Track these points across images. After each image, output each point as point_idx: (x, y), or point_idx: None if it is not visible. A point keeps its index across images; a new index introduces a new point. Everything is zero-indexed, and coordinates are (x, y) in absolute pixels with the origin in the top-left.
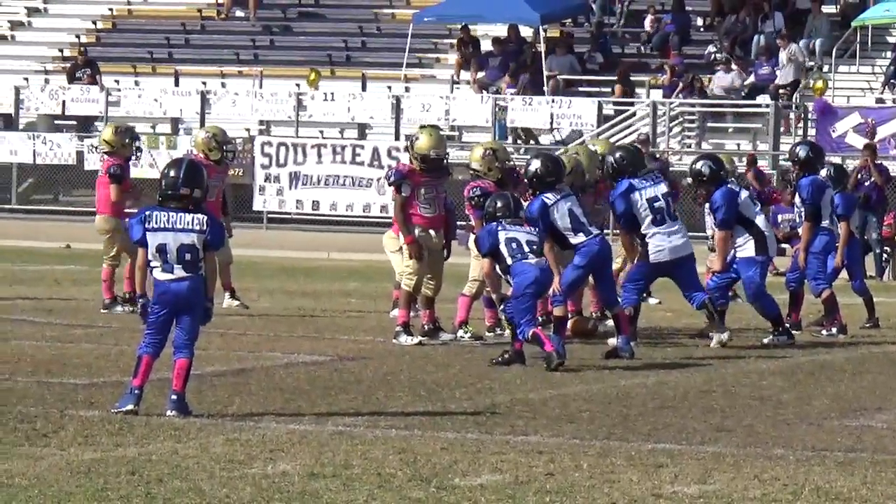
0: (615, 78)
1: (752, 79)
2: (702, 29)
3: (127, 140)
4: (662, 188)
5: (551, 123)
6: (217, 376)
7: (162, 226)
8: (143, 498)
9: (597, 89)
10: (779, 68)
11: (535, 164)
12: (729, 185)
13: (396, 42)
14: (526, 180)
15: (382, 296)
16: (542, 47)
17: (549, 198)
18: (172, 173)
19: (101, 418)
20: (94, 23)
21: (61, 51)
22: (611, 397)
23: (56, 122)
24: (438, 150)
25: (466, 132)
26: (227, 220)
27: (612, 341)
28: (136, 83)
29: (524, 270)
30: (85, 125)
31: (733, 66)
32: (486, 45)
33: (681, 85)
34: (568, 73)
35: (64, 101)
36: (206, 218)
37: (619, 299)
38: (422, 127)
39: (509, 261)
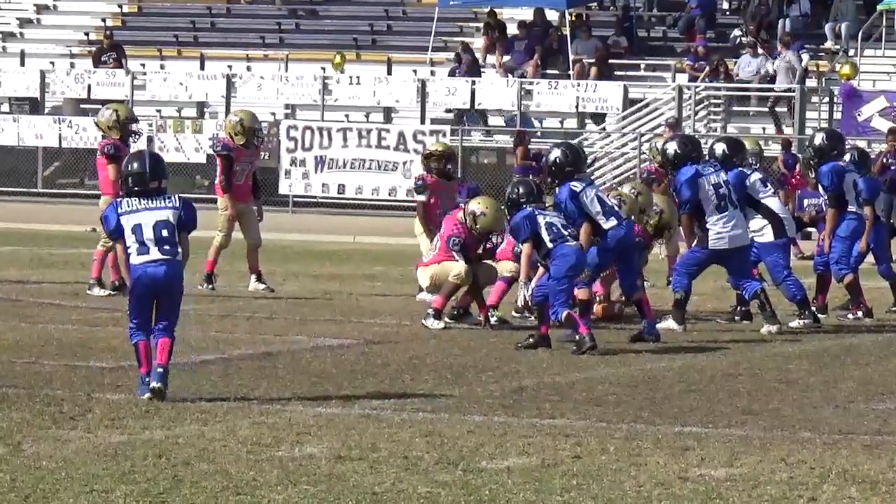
0: (639, 61)
1: (777, 62)
2: (727, 13)
3: (113, 121)
4: (724, 175)
5: (577, 107)
6: (243, 360)
7: (135, 208)
8: (170, 480)
9: (623, 73)
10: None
11: (555, 153)
12: (740, 168)
13: (422, 26)
14: (545, 170)
15: (408, 279)
16: (567, 31)
17: (576, 185)
18: (137, 167)
19: (128, 401)
20: (120, 6)
21: (87, 34)
22: (637, 381)
23: (82, 106)
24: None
25: (491, 116)
26: (258, 203)
27: (666, 325)
28: (162, 67)
29: (567, 253)
30: None
31: (760, 51)
32: (512, 29)
33: (707, 69)
34: (594, 57)
35: (89, 85)
36: (177, 196)
37: (643, 284)
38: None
39: (550, 245)
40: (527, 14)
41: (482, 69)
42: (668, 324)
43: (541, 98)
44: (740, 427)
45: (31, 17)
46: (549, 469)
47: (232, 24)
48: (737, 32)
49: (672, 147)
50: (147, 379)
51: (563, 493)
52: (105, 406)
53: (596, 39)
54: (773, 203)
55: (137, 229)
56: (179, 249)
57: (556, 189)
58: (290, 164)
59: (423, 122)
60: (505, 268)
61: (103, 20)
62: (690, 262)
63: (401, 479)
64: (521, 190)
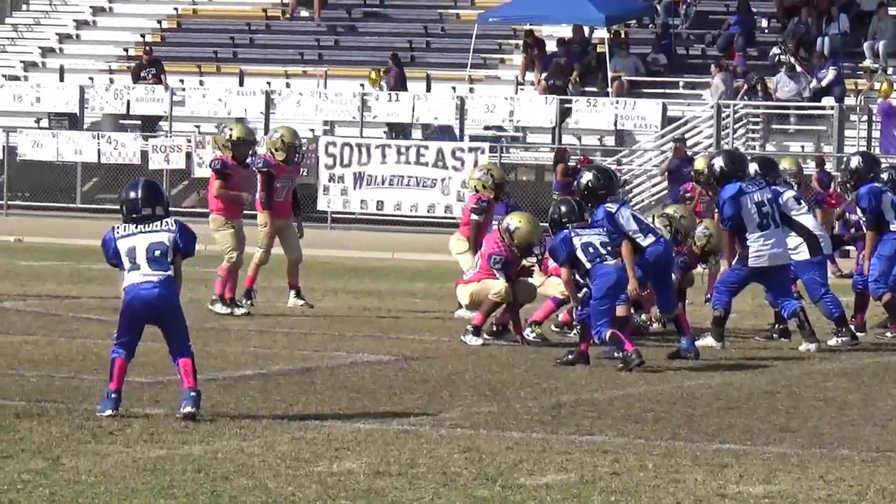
0: (678, 79)
1: (814, 83)
2: (766, 31)
3: (226, 139)
4: (768, 193)
5: (615, 124)
6: (282, 375)
7: (131, 232)
8: (209, 496)
9: (661, 91)
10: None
11: (587, 177)
12: (773, 186)
13: (461, 42)
14: (578, 193)
15: (447, 296)
16: (605, 49)
17: (611, 206)
18: (132, 195)
19: (167, 416)
20: (159, 22)
21: (126, 50)
22: (675, 398)
23: (121, 121)
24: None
25: (530, 133)
26: (298, 220)
27: (704, 342)
28: (201, 83)
29: (606, 272)
30: (149, 125)
31: (798, 69)
32: (551, 46)
33: (745, 87)
34: (632, 75)
35: (129, 101)
36: (174, 220)
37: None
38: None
39: (588, 265)
40: (566, 31)
41: (521, 86)
42: (707, 341)
43: (579, 115)
44: (778, 444)
45: (71, 33)
46: (588, 485)
47: (271, 40)
48: (775, 50)
49: (719, 163)
50: (114, 395)
51: None
52: (144, 421)
53: (634, 57)
54: (808, 220)
55: (132, 251)
56: (171, 271)
57: (592, 212)
58: (329, 181)
59: (461, 139)
60: (557, 288)
61: (142, 36)
62: (731, 279)
63: (439, 494)
64: (562, 209)
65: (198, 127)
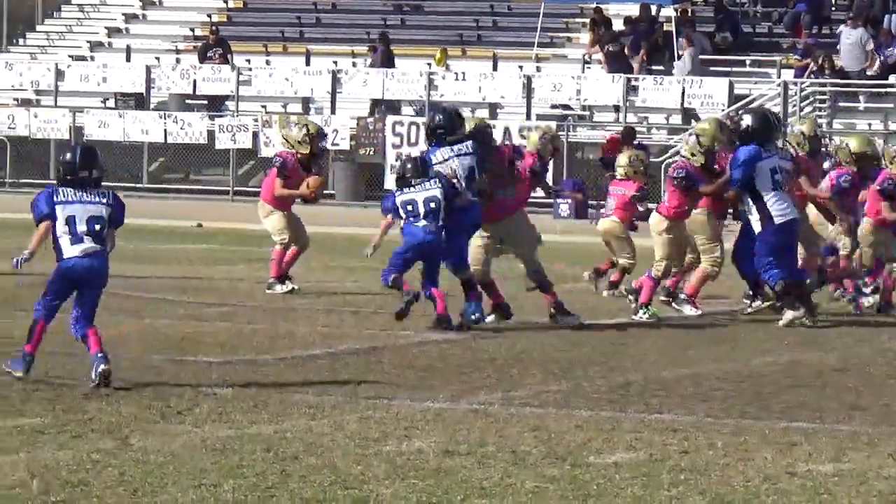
0: (744, 57)
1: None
2: (833, 8)
3: (303, 136)
4: (784, 164)
5: (682, 103)
6: (350, 354)
7: (70, 199)
8: (279, 475)
9: (728, 69)
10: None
11: (437, 118)
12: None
13: (527, 21)
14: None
15: (517, 276)
16: (672, 27)
17: (435, 155)
18: (69, 157)
19: (235, 396)
20: (226, 2)
21: (192, 30)
22: (744, 376)
23: (187, 101)
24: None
25: (597, 112)
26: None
27: (786, 317)
28: (268, 62)
29: (413, 232)
30: (216, 104)
31: (859, 24)
32: (617, 24)
33: (811, 64)
34: (699, 53)
35: (195, 81)
36: (112, 192)
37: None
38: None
39: (402, 222)
40: (632, 9)
41: (587, 65)
42: (787, 315)
43: (646, 94)
44: (848, 423)
45: (137, 13)
46: (657, 464)
47: (337, 19)
48: (843, 28)
49: (747, 121)
50: (29, 357)
51: (671, 487)
52: (212, 401)
53: (701, 35)
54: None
55: (71, 221)
56: (106, 245)
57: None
58: (396, 160)
59: (528, 117)
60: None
61: (209, 16)
62: (768, 247)
63: (509, 473)
64: (407, 166)
65: (264, 107)
